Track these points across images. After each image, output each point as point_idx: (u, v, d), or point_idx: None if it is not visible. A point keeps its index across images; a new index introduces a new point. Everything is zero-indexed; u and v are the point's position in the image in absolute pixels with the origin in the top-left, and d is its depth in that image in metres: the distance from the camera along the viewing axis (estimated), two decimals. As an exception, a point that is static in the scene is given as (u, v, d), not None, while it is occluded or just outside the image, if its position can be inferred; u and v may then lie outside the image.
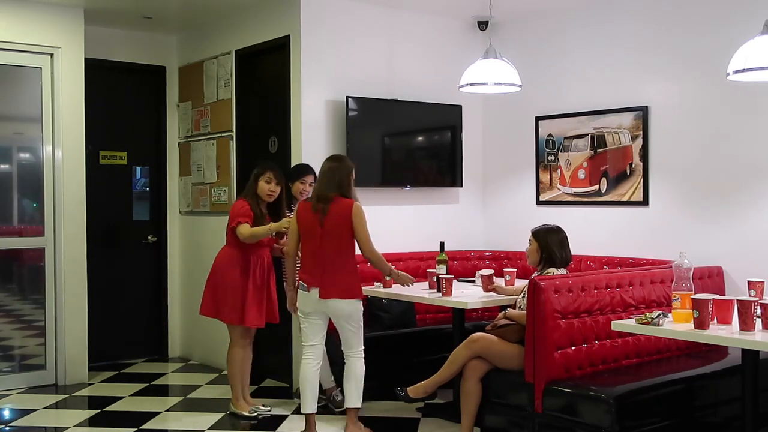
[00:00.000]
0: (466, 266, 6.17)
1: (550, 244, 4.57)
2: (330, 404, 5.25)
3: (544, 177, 6.22)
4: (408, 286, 4.80)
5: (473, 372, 4.41)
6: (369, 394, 5.38)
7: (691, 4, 5.31)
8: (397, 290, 5.07)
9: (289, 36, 5.77)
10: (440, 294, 4.75)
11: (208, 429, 4.91)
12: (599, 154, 5.84)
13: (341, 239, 4.47)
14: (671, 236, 5.37)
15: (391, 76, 6.12)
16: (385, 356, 5.50)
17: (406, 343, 5.60)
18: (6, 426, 5.09)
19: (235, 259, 4.97)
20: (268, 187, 5.02)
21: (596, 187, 5.86)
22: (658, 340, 4.57)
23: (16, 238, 6.06)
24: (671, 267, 3.76)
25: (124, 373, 6.45)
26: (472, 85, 5.06)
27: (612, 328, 3.90)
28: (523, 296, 4.51)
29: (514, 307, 4.62)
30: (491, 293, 4.79)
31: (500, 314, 4.64)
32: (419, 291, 5.03)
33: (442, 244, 5.14)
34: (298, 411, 5.22)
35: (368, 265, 4.74)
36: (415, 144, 6.37)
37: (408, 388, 4.56)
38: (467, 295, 4.87)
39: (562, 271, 4.56)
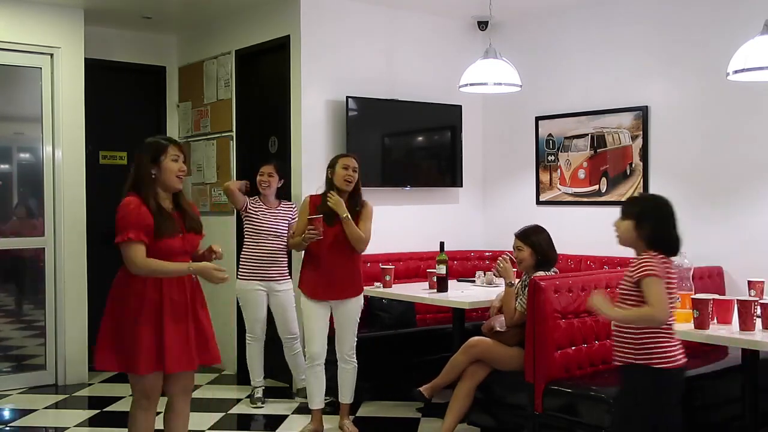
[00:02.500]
0: (466, 266, 6.17)
1: (542, 245, 4.53)
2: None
3: (544, 177, 6.22)
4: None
5: (471, 377, 4.39)
6: (369, 394, 5.39)
7: (691, 4, 5.31)
8: (397, 290, 5.08)
9: (289, 36, 5.77)
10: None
11: (208, 429, 4.91)
12: (599, 154, 5.84)
13: None
14: (671, 236, 5.36)
15: (391, 76, 6.12)
16: (385, 356, 5.51)
17: (406, 343, 5.60)
18: (6, 426, 5.09)
19: (138, 282, 3.38)
20: (177, 167, 3.48)
21: (596, 187, 5.86)
22: (658, 340, 4.56)
23: (16, 238, 6.06)
24: (671, 267, 3.76)
25: (124, 374, 6.42)
26: (472, 85, 5.06)
27: (612, 328, 3.90)
28: (519, 289, 4.47)
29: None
30: (492, 290, 4.77)
31: (492, 306, 4.61)
32: (419, 291, 5.03)
33: (442, 244, 5.14)
34: (298, 411, 5.22)
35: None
36: (415, 144, 6.37)
37: (422, 389, 4.55)
38: (467, 295, 4.87)
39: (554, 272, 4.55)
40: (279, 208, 5.35)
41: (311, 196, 4.68)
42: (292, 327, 5.36)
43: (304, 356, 4.92)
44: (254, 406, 5.35)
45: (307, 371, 4.68)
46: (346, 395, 4.73)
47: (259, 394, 5.40)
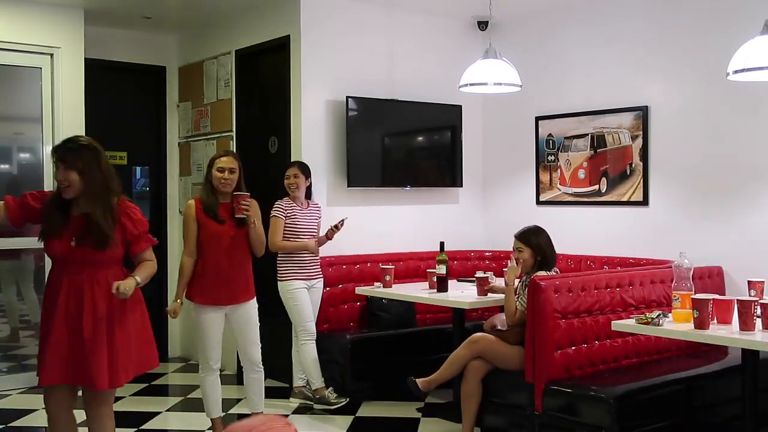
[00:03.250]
0: (466, 266, 6.17)
1: (542, 245, 4.53)
2: (319, 403, 5.24)
3: (544, 177, 6.22)
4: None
5: (474, 373, 4.41)
6: (369, 394, 5.39)
7: (691, 4, 5.31)
8: (397, 290, 5.07)
9: (289, 36, 5.77)
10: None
11: (208, 429, 4.90)
12: (599, 154, 5.84)
13: None
14: (671, 236, 5.37)
15: (391, 76, 6.12)
16: (385, 356, 5.51)
17: (406, 343, 5.60)
18: (6, 426, 5.09)
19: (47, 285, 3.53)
20: (57, 176, 3.51)
21: (596, 187, 5.86)
22: (658, 340, 4.57)
23: (16, 238, 6.05)
24: (671, 267, 3.76)
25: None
26: (472, 85, 5.06)
27: (612, 328, 3.90)
28: (520, 289, 4.47)
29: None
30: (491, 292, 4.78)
31: (495, 318, 4.62)
32: (419, 291, 5.04)
33: (442, 244, 5.14)
34: (297, 411, 5.22)
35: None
36: (415, 144, 6.37)
37: (418, 381, 4.52)
38: (467, 295, 4.87)
39: (555, 271, 4.55)
40: (310, 207, 5.31)
41: (196, 199, 4.41)
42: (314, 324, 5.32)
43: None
44: (337, 405, 5.18)
45: (206, 380, 4.45)
46: (259, 404, 4.56)
47: (333, 394, 5.22)
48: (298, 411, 5.23)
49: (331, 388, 5.21)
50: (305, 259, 5.22)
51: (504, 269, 4.70)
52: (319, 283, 5.35)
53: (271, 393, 5.65)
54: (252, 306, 4.45)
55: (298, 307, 5.19)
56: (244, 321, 4.43)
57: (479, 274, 4.87)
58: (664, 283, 4.69)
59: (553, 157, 6.15)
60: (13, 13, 5.84)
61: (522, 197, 6.39)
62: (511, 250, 4.59)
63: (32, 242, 5.93)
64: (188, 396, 5.75)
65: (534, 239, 4.51)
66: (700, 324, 3.47)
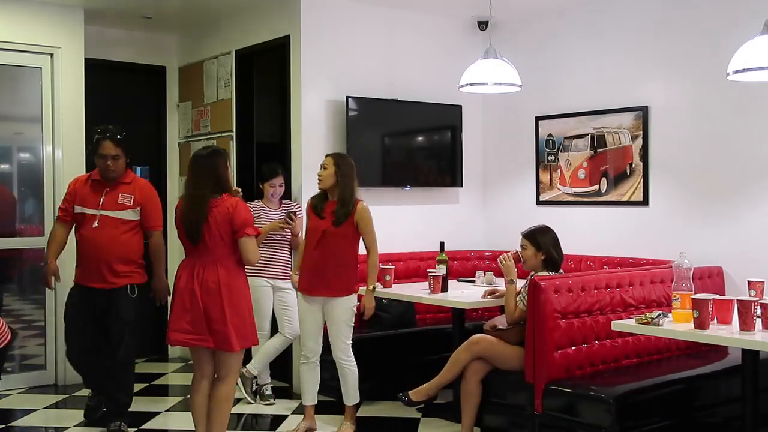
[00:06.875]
0: (466, 266, 6.17)
1: (548, 244, 4.53)
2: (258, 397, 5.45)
3: (544, 177, 6.22)
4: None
5: (474, 373, 4.41)
6: (369, 394, 5.39)
7: (691, 4, 5.31)
8: (397, 290, 5.07)
9: (289, 36, 5.77)
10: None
11: (208, 429, 4.90)
12: (599, 154, 5.84)
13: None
14: (671, 236, 5.37)
15: (391, 76, 6.12)
16: (385, 356, 5.50)
17: (406, 343, 5.60)
18: (6, 426, 5.09)
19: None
20: None
21: (596, 187, 5.86)
22: (658, 340, 4.57)
23: (16, 238, 6.05)
24: (671, 267, 3.76)
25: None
26: (472, 85, 5.06)
27: (612, 328, 3.90)
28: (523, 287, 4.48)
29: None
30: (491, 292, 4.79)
31: (497, 318, 4.63)
32: (419, 291, 5.04)
33: (442, 244, 5.14)
34: (298, 411, 5.22)
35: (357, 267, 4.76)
36: (415, 144, 6.37)
37: (410, 392, 4.55)
38: (467, 295, 4.87)
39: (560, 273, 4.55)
40: (281, 208, 5.43)
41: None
42: (297, 326, 5.33)
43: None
44: (266, 403, 5.40)
45: (301, 366, 4.74)
46: (344, 397, 4.75)
47: (268, 391, 5.47)
48: (298, 411, 5.23)
49: (269, 386, 5.49)
50: (272, 257, 5.31)
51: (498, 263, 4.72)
52: (286, 284, 5.37)
53: (272, 392, 5.65)
54: (339, 303, 4.58)
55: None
56: (329, 317, 4.64)
57: (479, 274, 4.87)
58: (664, 283, 4.69)
59: (553, 157, 6.15)
60: (13, 13, 5.84)
61: (522, 197, 6.39)
62: (510, 250, 4.60)
63: (32, 242, 6.01)
64: (188, 396, 5.73)
65: (539, 238, 4.53)
66: (700, 324, 3.47)
